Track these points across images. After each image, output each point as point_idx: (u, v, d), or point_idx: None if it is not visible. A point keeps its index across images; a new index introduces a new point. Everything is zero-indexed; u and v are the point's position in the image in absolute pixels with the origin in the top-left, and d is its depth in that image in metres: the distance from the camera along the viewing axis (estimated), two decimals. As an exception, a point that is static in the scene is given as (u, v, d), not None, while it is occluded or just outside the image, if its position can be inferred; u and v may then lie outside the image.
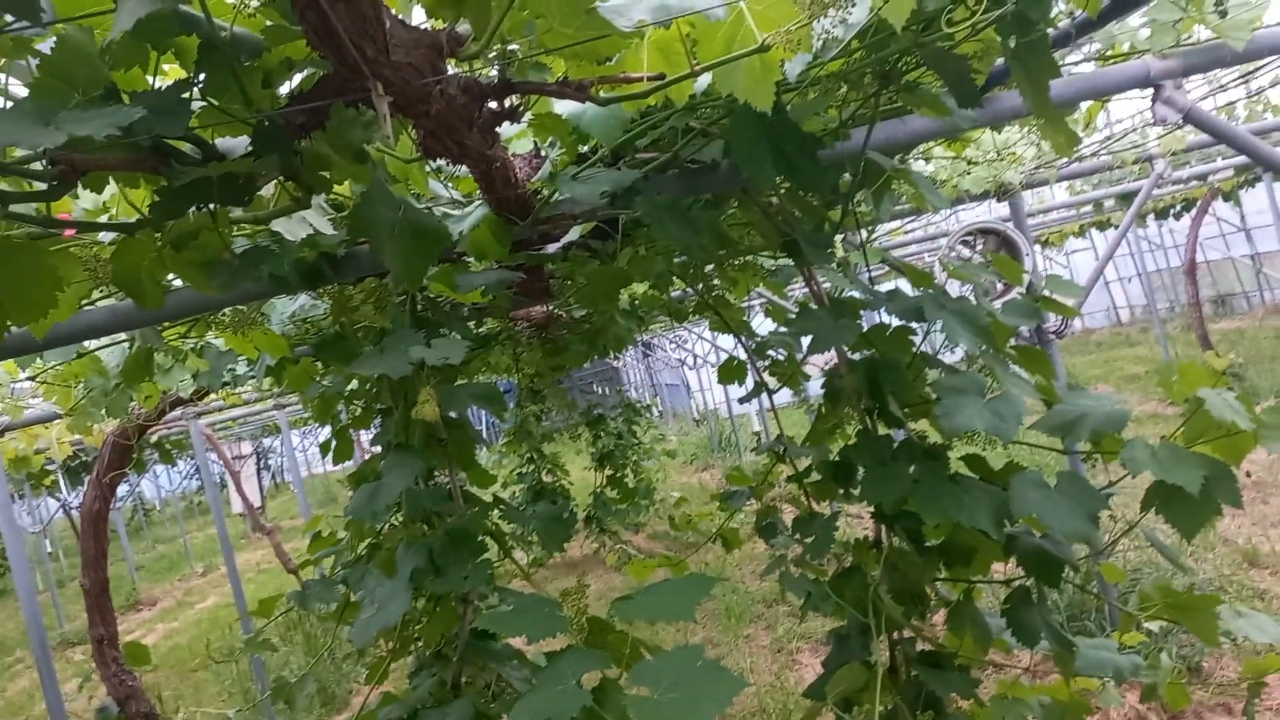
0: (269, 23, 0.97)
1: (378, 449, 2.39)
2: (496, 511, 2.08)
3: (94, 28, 0.96)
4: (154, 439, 7.29)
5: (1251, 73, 3.47)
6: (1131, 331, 18.88)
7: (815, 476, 2.06)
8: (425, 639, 2.20)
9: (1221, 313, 18.11)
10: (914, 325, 1.78)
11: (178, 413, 5.46)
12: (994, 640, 1.80)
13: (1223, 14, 1.58)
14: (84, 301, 1.72)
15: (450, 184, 1.81)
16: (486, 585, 1.84)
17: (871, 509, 1.81)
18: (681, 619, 1.36)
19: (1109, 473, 1.61)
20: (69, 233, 1.26)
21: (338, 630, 2.75)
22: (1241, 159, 6.92)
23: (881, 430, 1.83)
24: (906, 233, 7.72)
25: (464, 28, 1.01)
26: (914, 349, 1.85)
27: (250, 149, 1.04)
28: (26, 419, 4.41)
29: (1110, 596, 3.99)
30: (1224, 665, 4.34)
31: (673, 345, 17.68)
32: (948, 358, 1.85)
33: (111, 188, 1.32)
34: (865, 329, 1.81)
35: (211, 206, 1.12)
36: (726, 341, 13.61)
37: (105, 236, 1.35)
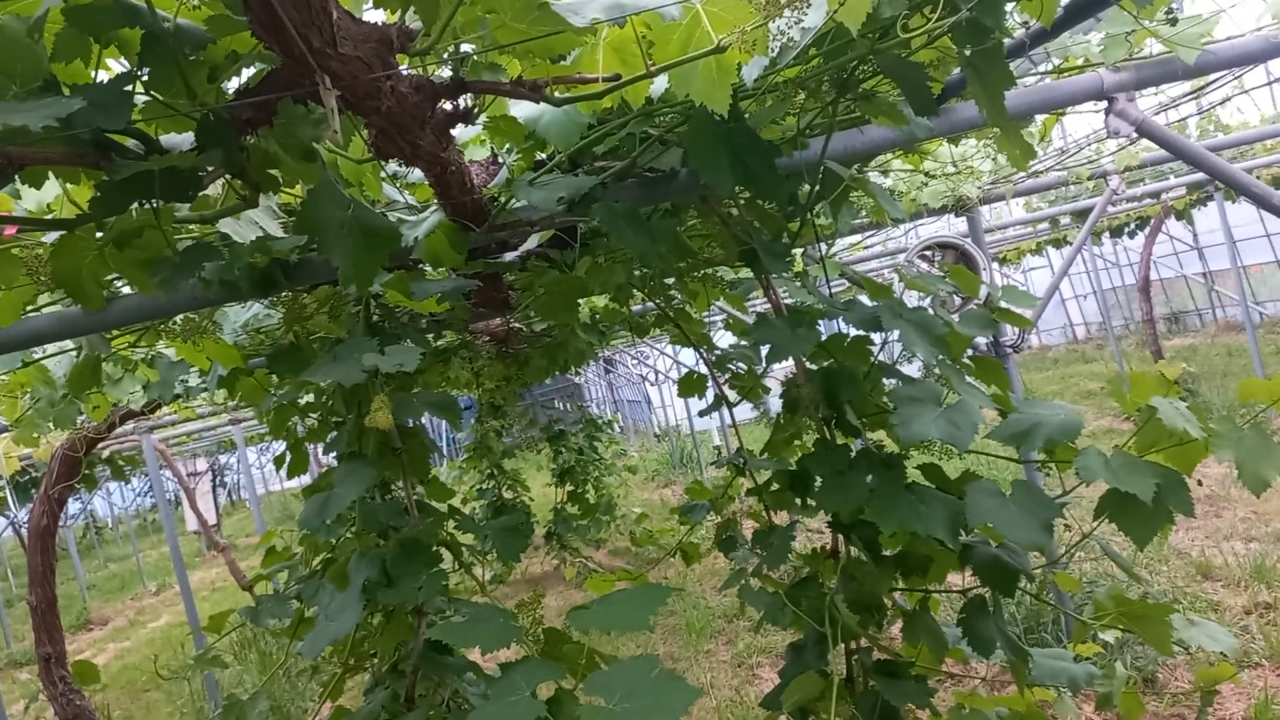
0: (212, 14, 0.95)
1: (334, 462, 2.36)
2: (452, 522, 2.05)
3: (30, 17, 0.93)
4: (106, 454, 7.17)
5: (1203, 89, 3.53)
6: (1087, 349, 19.15)
7: (774, 487, 2.05)
8: (379, 652, 2.16)
9: (1175, 330, 18.43)
10: (872, 335, 1.78)
11: (129, 426, 5.37)
12: (950, 650, 1.80)
13: (1173, 23, 1.60)
14: (29, 307, 1.68)
15: (405, 189, 1.79)
16: (441, 596, 1.81)
17: (829, 518, 1.80)
18: (637, 629, 1.35)
19: (1064, 483, 1.62)
20: (9, 232, 1.23)
21: (291, 646, 2.70)
22: (1194, 177, 7.05)
23: (839, 440, 1.83)
24: (865, 248, 7.78)
25: (416, 23, 0.99)
26: (872, 359, 1.85)
27: (195, 144, 1.02)
28: (-30, 433, 4.31)
29: (1066, 606, 4.02)
30: (1178, 676, 4.38)
31: (634, 361, 17.69)
32: (907, 369, 1.85)
33: (56, 189, 1.29)
34: (824, 338, 1.80)
35: (154, 203, 1.09)
36: (688, 357, 13.63)
37: (49, 237, 1.32)
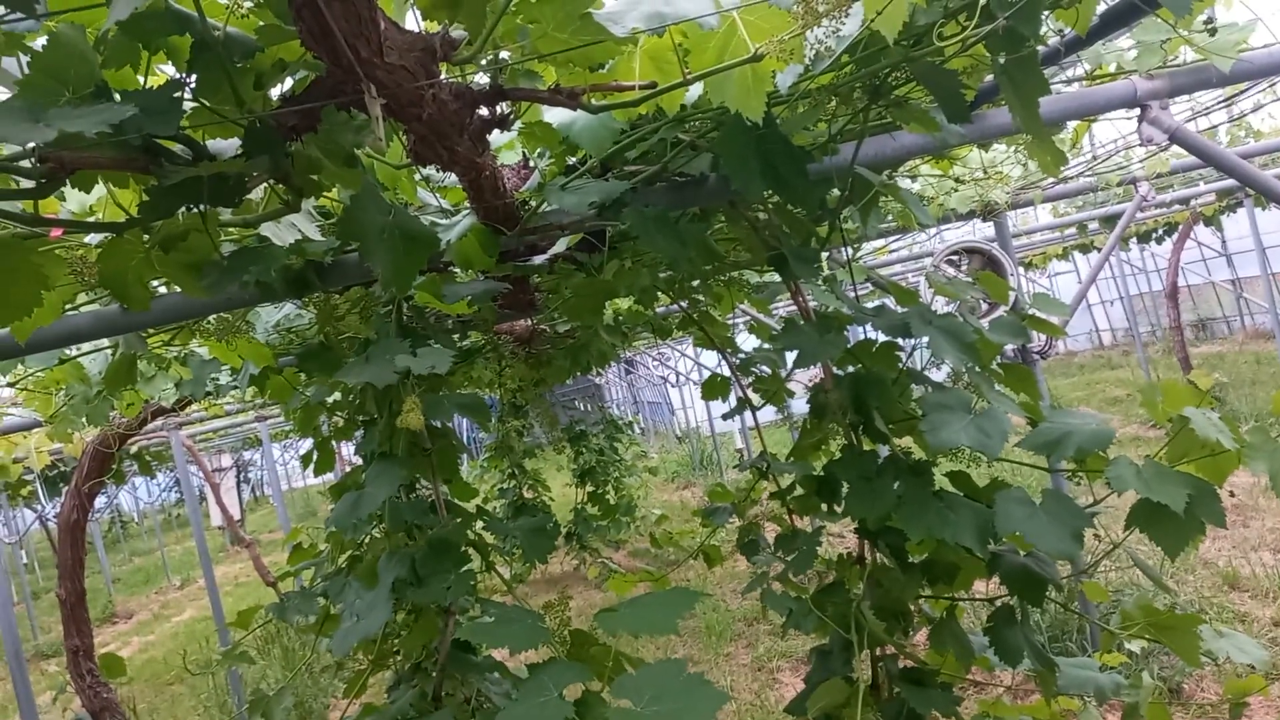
0: (262, 23, 0.97)
1: (359, 461, 2.38)
2: (479, 523, 2.07)
3: (86, 25, 0.95)
4: (134, 450, 7.24)
5: (1233, 97, 3.50)
6: (1113, 354, 19.00)
7: (799, 492, 2.06)
8: (405, 650, 2.18)
9: (1202, 337, 18.26)
10: (900, 341, 1.79)
11: (159, 423, 5.42)
12: (976, 658, 1.80)
13: (1212, 33, 1.60)
14: (68, 306, 1.70)
15: (438, 193, 1.81)
16: (469, 596, 1.83)
17: (855, 525, 1.81)
18: (665, 633, 1.35)
19: (1094, 493, 1.61)
20: (55, 234, 1.25)
21: (316, 643, 2.72)
22: (1223, 183, 6.99)
23: (866, 446, 1.83)
24: (891, 252, 7.76)
25: (459, 32, 1.01)
26: (900, 365, 1.85)
27: (241, 150, 1.03)
28: (4, 427, 4.36)
29: (1092, 616, 4.00)
30: (1205, 687, 4.35)
31: (655, 363, 17.69)
32: (935, 375, 1.85)
33: (99, 191, 1.31)
34: (852, 344, 1.81)
35: (201, 207, 1.11)
36: (710, 359, 13.62)
37: (93, 239, 1.34)
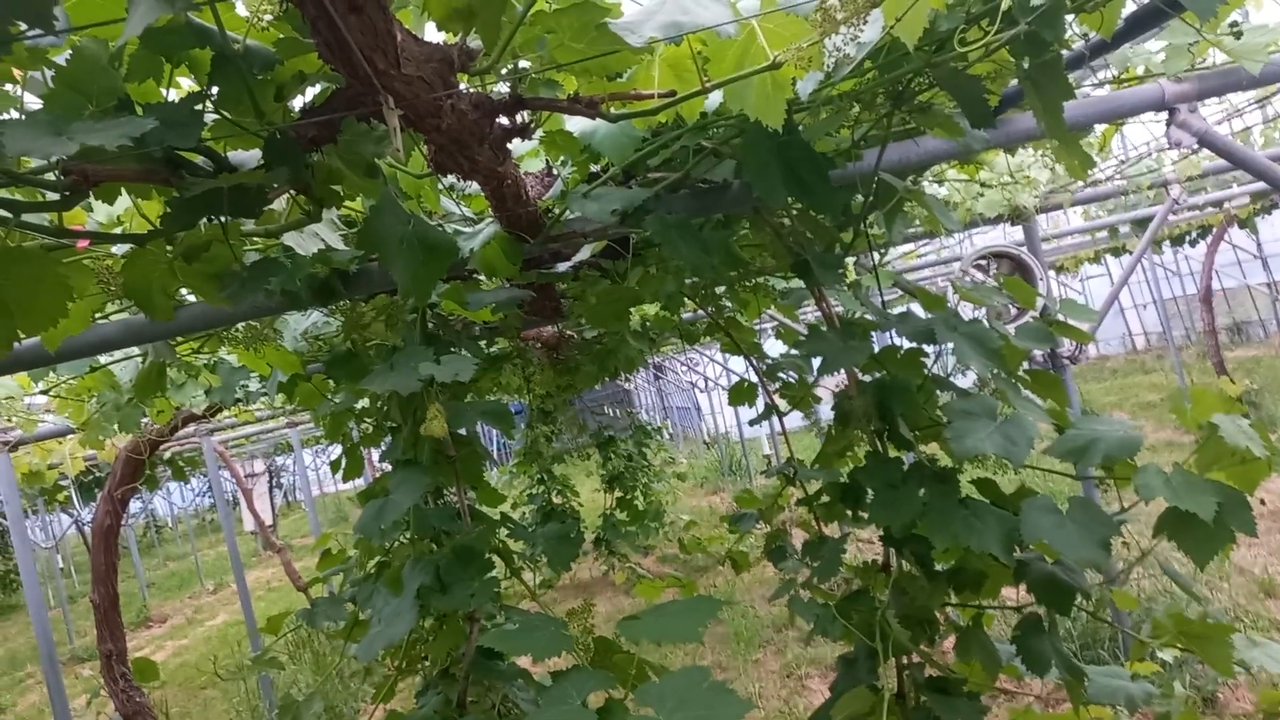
0: (281, 36, 0.98)
1: (388, 466, 2.39)
2: (504, 530, 2.07)
3: (108, 40, 0.96)
4: (167, 455, 7.32)
5: (1267, 98, 3.46)
6: (1147, 359, 18.78)
7: (825, 499, 2.05)
8: (431, 657, 2.19)
9: (1237, 341, 18.01)
10: (925, 348, 1.77)
11: (191, 429, 5.48)
12: (1004, 667, 1.78)
13: (1237, 35, 1.58)
14: (97, 315, 1.73)
15: (462, 201, 1.82)
16: (493, 603, 1.83)
17: (880, 532, 1.79)
18: (688, 640, 1.35)
19: (1122, 499, 1.59)
20: (82, 244, 1.27)
21: (345, 649, 2.74)
22: (1257, 185, 6.89)
23: (891, 453, 1.82)
24: (919, 256, 7.71)
25: (476, 43, 1.01)
26: (925, 371, 1.84)
27: (262, 162, 1.04)
28: (39, 433, 4.43)
29: (1124, 624, 3.95)
30: (1239, 696, 4.28)
31: (684, 368, 17.68)
32: (961, 382, 1.85)
33: (125, 202, 1.33)
34: (876, 351, 1.80)
35: (223, 218, 1.12)
36: (738, 364, 13.60)
37: (118, 249, 1.36)
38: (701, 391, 19.36)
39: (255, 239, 1.38)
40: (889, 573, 1.87)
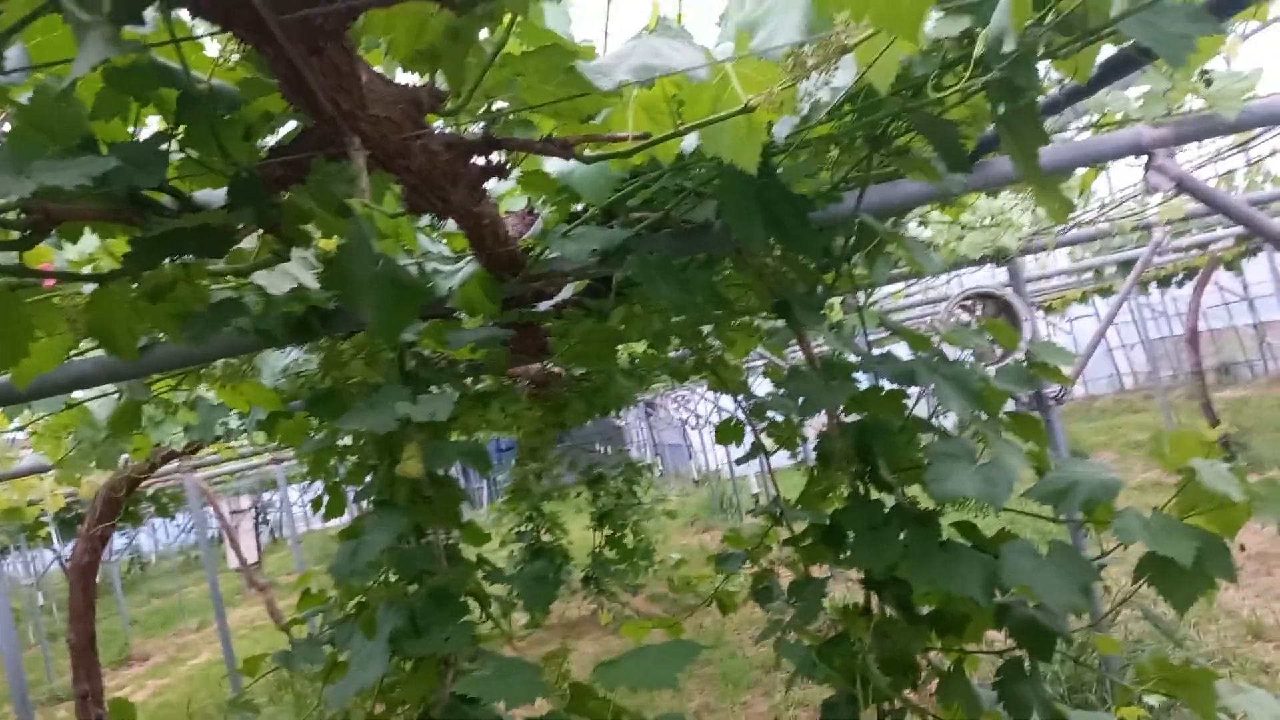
0: (248, 76, 0.97)
1: (367, 505, 2.36)
2: (480, 572, 2.05)
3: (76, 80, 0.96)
4: (150, 492, 7.26)
5: (1247, 143, 3.48)
6: (1135, 399, 18.83)
7: (808, 541, 2.03)
8: (408, 701, 2.15)
9: (1225, 381, 18.06)
10: (907, 389, 1.77)
11: (173, 465, 5.44)
12: (986, 713, 1.76)
13: (1208, 83, 1.59)
14: (72, 352, 1.71)
15: (442, 239, 1.81)
16: (469, 647, 1.81)
17: (861, 575, 1.78)
18: (664, 686, 1.33)
19: (1103, 544, 1.59)
20: (48, 284, 1.25)
21: (325, 691, 2.70)
22: (1240, 228, 6.94)
23: (873, 494, 1.81)
24: (907, 295, 7.74)
25: (445, 84, 1.01)
26: (906, 413, 1.83)
27: (227, 201, 1.03)
28: (17, 470, 4.39)
29: (1111, 669, 3.92)
30: (1229, 741, 4.24)
31: (675, 405, 17.66)
32: (947, 423, 1.84)
33: (95, 239, 1.32)
34: (860, 391, 1.79)
35: (186, 258, 1.11)
36: (729, 402, 13.58)
37: (88, 288, 1.34)
38: (692, 429, 19.32)
39: (227, 278, 1.37)
40: (870, 616, 1.85)
